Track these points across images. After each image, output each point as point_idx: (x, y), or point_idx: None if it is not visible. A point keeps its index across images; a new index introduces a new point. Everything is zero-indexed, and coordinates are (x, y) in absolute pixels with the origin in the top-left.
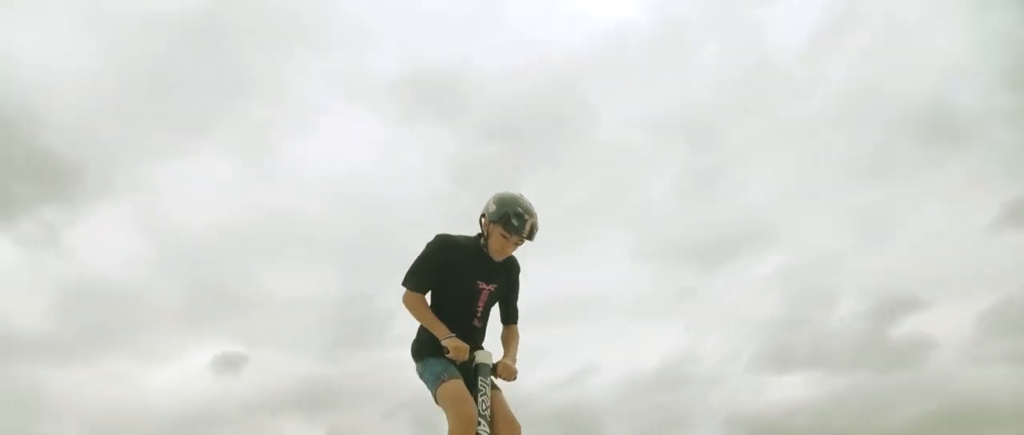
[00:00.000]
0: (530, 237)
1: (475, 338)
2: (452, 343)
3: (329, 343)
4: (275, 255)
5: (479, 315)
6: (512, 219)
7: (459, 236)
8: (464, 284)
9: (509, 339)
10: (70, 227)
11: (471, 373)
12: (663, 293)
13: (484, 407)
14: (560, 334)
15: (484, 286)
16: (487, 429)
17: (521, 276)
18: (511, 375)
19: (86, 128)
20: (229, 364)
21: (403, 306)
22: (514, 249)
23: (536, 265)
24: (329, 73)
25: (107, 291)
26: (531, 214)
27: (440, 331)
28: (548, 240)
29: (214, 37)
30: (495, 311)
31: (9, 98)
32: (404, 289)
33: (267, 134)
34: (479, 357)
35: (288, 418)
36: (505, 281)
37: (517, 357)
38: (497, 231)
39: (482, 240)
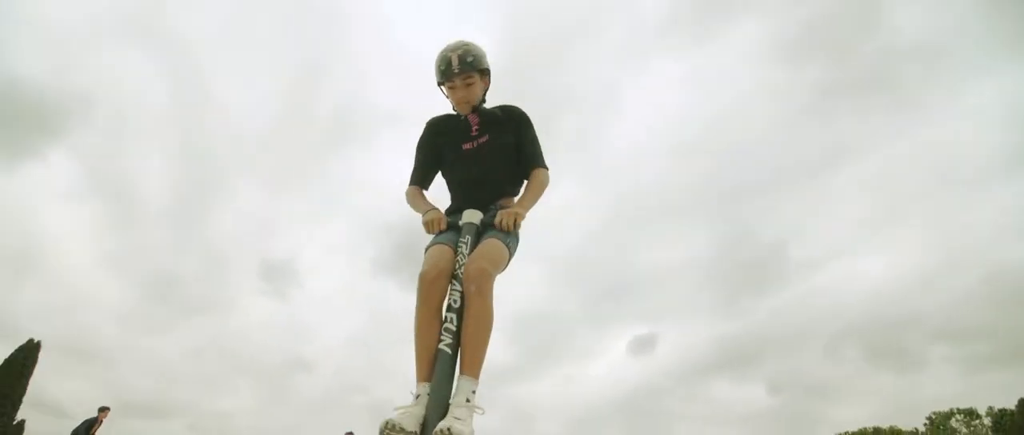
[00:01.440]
0: (465, 67)
1: (479, 195)
2: (426, 218)
3: (728, 297)
4: (641, 234)
5: (476, 175)
6: (440, 66)
7: (440, 115)
8: (452, 152)
9: (528, 185)
10: (496, 283)
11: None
12: None
13: (458, 266)
14: None
15: (469, 146)
16: (459, 288)
17: (527, 121)
18: (506, 223)
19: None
20: (643, 345)
21: None
22: (469, 90)
23: None
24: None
25: (535, 317)
26: (451, 50)
27: (420, 209)
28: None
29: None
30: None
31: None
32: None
33: (591, 135)
34: (465, 217)
35: (718, 379)
36: (502, 130)
37: (532, 202)
38: (445, 88)
39: (452, 108)
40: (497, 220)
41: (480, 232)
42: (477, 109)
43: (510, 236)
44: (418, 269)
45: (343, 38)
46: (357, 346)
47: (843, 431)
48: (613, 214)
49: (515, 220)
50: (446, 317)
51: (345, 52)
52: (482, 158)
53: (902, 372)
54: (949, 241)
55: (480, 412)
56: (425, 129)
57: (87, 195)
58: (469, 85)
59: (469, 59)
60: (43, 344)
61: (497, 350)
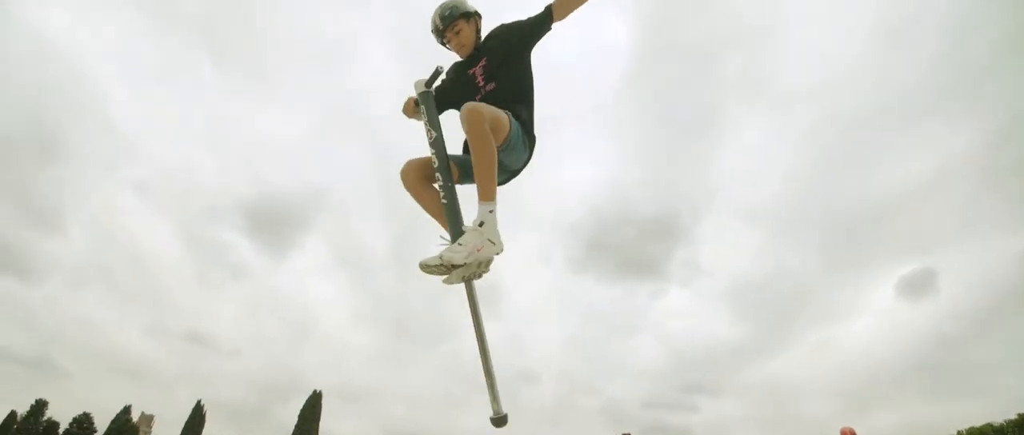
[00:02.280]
0: (447, 21)
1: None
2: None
3: None
4: (868, 155)
5: (482, 84)
6: (432, 30)
7: (453, 64)
8: (460, 82)
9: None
10: (700, 255)
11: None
12: None
13: (430, 136)
14: None
15: (474, 70)
16: (434, 157)
17: (510, 24)
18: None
19: (668, 193)
20: (917, 285)
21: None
22: (460, 37)
23: None
24: None
25: (759, 285)
26: (433, 13)
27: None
28: None
29: None
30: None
31: (607, 205)
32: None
33: (762, 71)
34: (415, 88)
35: None
36: (497, 45)
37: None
38: (446, 47)
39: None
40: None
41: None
42: (479, 49)
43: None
44: (612, 260)
45: None
46: (574, 347)
47: None
48: (821, 143)
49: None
50: (437, 182)
51: None
52: (496, 101)
53: None
54: None
55: (486, 228)
56: (447, 72)
57: (335, 267)
58: (458, 33)
59: (447, 13)
60: (324, 392)
61: (722, 328)
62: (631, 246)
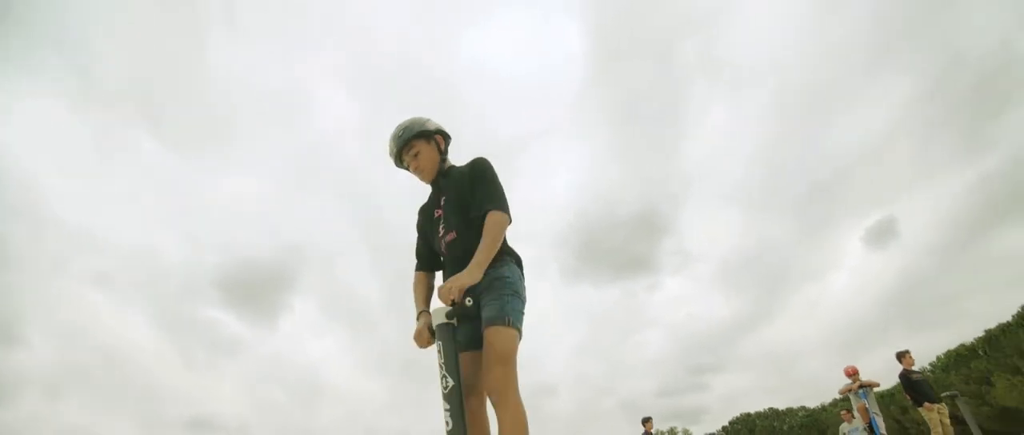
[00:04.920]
0: (401, 145)
1: (451, 267)
2: (414, 332)
3: (964, 133)
4: (820, 119)
5: (441, 236)
6: (390, 156)
7: (424, 203)
8: (429, 225)
9: (482, 237)
10: (686, 242)
11: (466, 336)
12: None
13: (445, 384)
14: None
15: (438, 212)
16: (446, 406)
17: (481, 170)
18: (444, 296)
19: (646, 187)
20: (880, 233)
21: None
22: (417, 159)
23: None
24: None
25: (744, 260)
26: (389, 139)
27: (416, 307)
28: None
29: None
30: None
31: (591, 211)
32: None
33: (715, 54)
34: (435, 317)
35: (998, 229)
36: (455, 187)
37: (487, 255)
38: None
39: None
40: (441, 296)
41: (468, 323)
42: (444, 174)
43: (505, 302)
44: (605, 263)
45: (457, 104)
46: (585, 353)
47: None
48: (781, 115)
49: (455, 293)
50: None
51: (461, 110)
52: (454, 258)
53: None
54: None
55: None
56: (418, 216)
57: (331, 321)
58: (416, 155)
59: (400, 134)
60: None
61: (719, 308)
62: (621, 246)
